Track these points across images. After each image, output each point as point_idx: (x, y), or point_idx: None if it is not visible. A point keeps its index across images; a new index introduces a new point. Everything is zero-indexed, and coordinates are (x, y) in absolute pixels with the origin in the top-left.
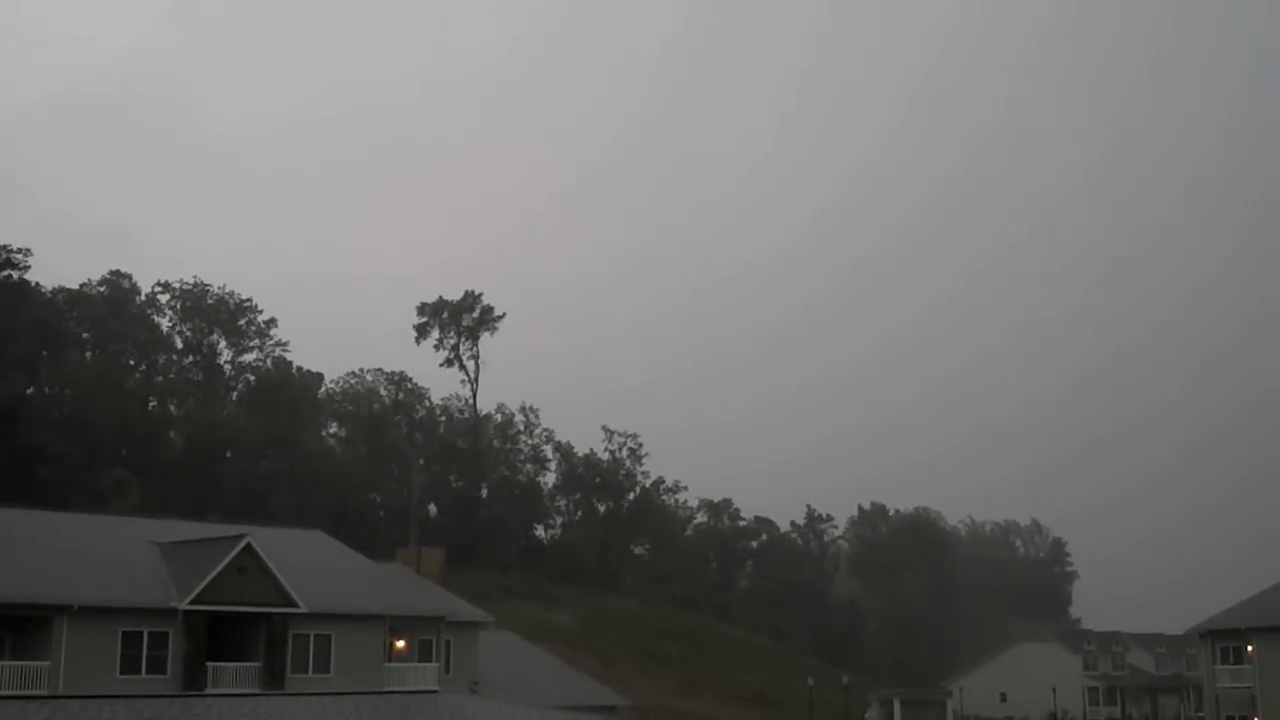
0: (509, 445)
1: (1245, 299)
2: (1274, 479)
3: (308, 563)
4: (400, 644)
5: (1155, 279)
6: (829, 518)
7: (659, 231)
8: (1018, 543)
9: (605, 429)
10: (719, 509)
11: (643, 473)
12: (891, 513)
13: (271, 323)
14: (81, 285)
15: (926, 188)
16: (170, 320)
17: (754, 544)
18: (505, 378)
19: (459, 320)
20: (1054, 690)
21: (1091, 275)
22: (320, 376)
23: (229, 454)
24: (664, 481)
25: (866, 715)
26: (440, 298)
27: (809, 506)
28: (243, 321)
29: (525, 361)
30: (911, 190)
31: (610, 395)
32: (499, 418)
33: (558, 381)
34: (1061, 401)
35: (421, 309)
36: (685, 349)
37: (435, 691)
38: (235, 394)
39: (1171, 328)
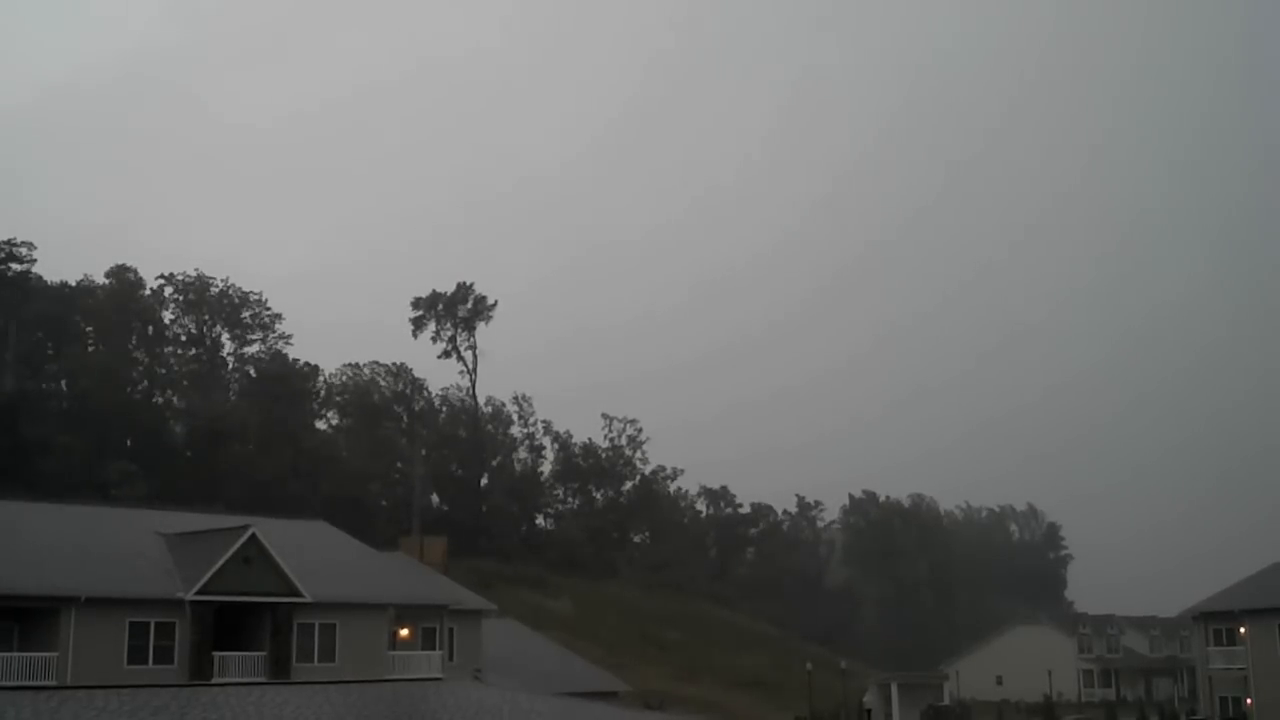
0: (502, 435)
1: (1240, 294)
2: (1266, 471)
3: (312, 553)
4: (404, 632)
5: (1149, 275)
6: (818, 504)
7: (657, 224)
8: (1013, 527)
9: (605, 415)
10: (717, 496)
11: (641, 459)
12: (882, 499)
13: (278, 317)
14: (85, 279)
15: (924, 183)
16: (173, 313)
17: (753, 531)
18: (506, 368)
19: (454, 312)
20: (1049, 673)
21: (1086, 273)
22: (318, 369)
23: (233, 446)
24: (664, 469)
25: (864, 699)
26: (434, 290)
27: (798, 496)
28: (247, 315)
29: (526, 352)
30: (909, 184)
31: (609, 386)
32: (489, 410)
33: (558, 372)
34: (1058, 397)
35: (417, 302)
36: (682, 342)
37: (439, 679)
38: (238, 386)
39: (1165, 324)
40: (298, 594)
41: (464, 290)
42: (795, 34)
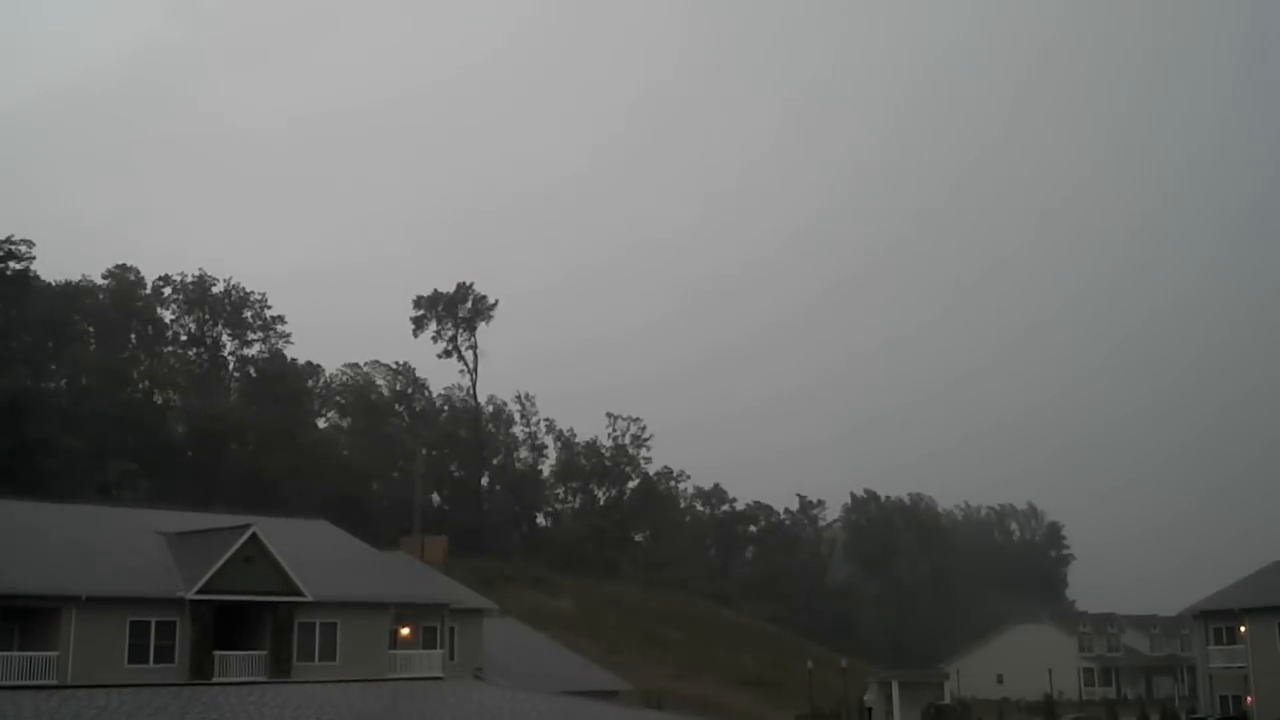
0: (503, 435)
1: (1241, 296)
2: (1267, 471)
3: (313, 552)
4: (405, 631)
5: (1152, 277)
6: (819, 503)
7: (661, 227)
8: (1014, 527)
9: (609, 414)
10: (712, 496)
11: (645, 458)
12: (883, 498)
13: (279, 318)
14: (85, 279)
15: (927, 186)
16: (173, 313)
17: (752, 529)
18: (508, 371)
19: (455, 312)
20: (1050, 672)
21: (1088, 276)
22: (318, 368)
23: (233, 445)
24: (671, 471)
25: (865, 697)
26: (435, 290)
27: (799, 495)
28: (248, 314)
29: (529, 355)
30: (914, 188)
31: (611, 389)
32: (490, 409)
33: (560, 375)
34: (1060, 399)
35: (418, 302)
36: (682, 344)
37: (440, 678)
38: (238, 386)
39: (1168, 325)
40: (298, 593)
41: (464, 290)
42: (799, 39)
